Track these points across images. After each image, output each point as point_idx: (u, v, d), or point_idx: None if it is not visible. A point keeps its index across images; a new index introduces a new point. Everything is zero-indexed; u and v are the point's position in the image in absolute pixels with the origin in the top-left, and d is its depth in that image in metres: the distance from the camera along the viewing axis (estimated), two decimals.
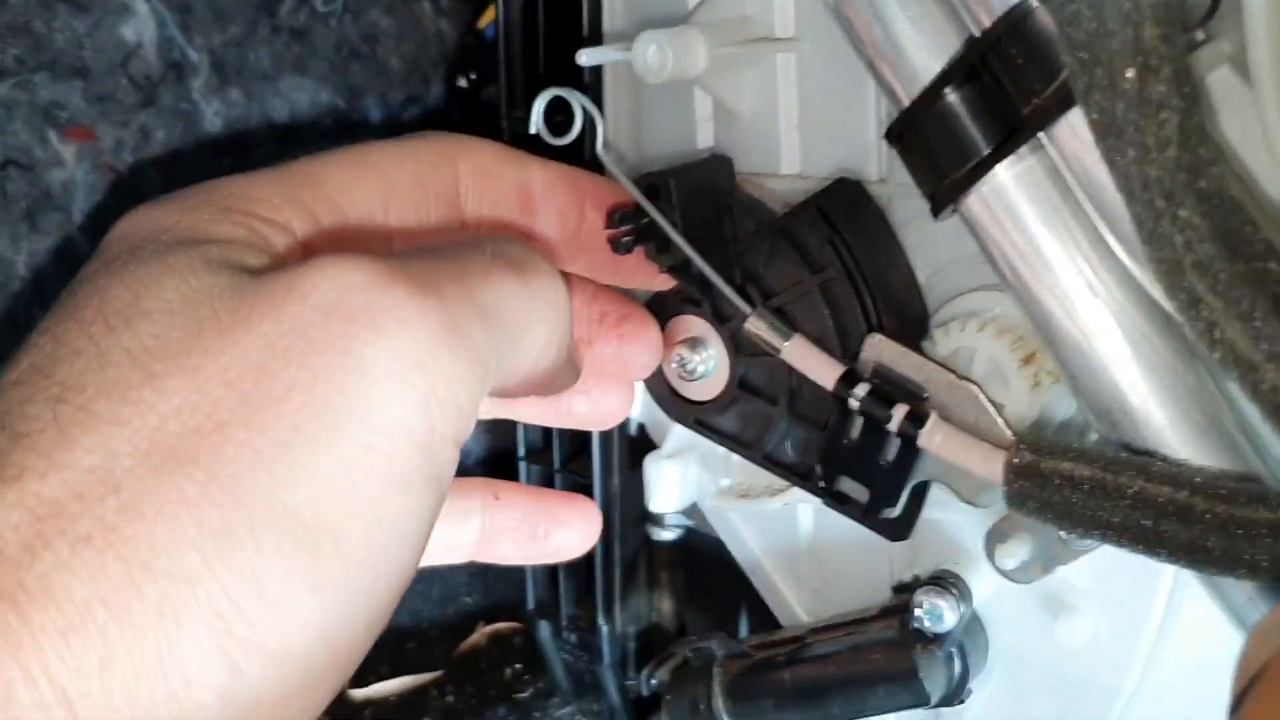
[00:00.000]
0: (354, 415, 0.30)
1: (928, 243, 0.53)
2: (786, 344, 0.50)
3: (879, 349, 0.50)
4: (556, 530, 0.50)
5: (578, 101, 0.46)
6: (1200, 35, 0.41)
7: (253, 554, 0.28)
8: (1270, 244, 0.32)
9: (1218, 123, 0.40)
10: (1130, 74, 0.30)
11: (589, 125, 0.48)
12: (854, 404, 0.49)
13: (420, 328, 0.31)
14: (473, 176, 0.42)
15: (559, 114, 0.49)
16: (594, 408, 0.49)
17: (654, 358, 0.50)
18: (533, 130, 0.47)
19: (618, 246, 0.51)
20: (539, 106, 0.46)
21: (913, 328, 0.52)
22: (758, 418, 0.57)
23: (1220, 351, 0.33)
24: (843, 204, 0.53)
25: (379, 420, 0.30)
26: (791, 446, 0.56)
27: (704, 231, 0.54)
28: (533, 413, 0.49)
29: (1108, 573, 0.51)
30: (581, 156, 0.53)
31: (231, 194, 0.36)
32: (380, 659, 0.96)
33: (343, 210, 0.37)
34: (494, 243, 0.36)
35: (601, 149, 0.46)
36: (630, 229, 0.51)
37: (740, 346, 0.56)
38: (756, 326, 0.50)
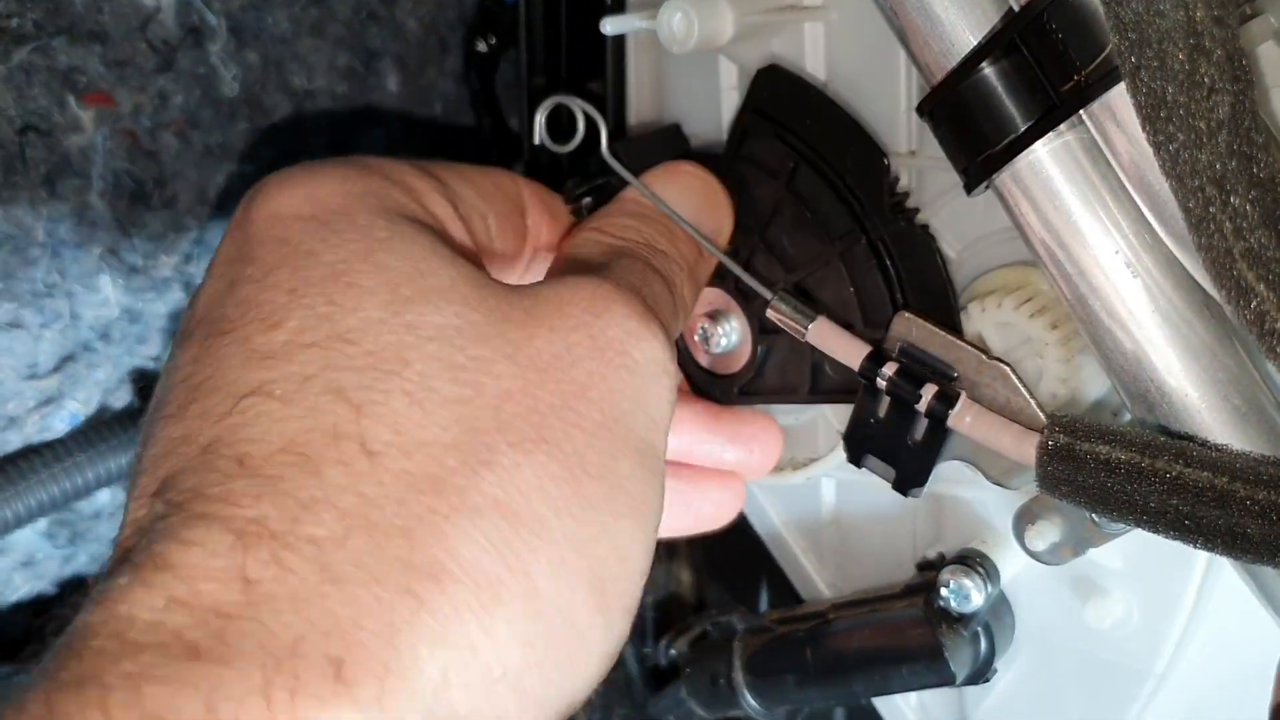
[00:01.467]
0: (639, 406, 0.36)
1: (959, 217, 0.52)
2: (810, 325, 0.49)
3: (907, 327, 0.49)
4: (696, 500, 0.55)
5: (579, 107, 0.45)
6: (1246, 10, 0.39)
7: (608, 519, 0.34)
8: None
9: (1266, 101, 0.39)
10: (1181, 56, 0.29)
11: (591, 127, 0.47)
12: (881, 383, 0.48)
13: (662, 339, 0.38)
14: (531, 197, 0.48)
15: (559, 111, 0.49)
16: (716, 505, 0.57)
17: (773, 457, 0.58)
18: (536, 141, 0.47)
19: (581, 215, 0.50)
20: (541, 117, 0.46)
21: (917, 245, 0.51)
22: (795, 358, 0.56)
23: (1271, 342, 0.32)
24: (774, 94, 0.52)
25: (654, 411, 0.37)
26: (832, 369, 0.55)
27: None
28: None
29: (1139, 555, 0.50)
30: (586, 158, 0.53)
31: (390, 174, 0.40)
32: None
33: (460, 197, 0.43)
34: (649, 251, 0.45)
35: (606, 152, 0.46)
36: (587, 190, 0.50)
37: (764, 322, 0.55)
38: (779, 310, 0.49)
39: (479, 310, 0.35)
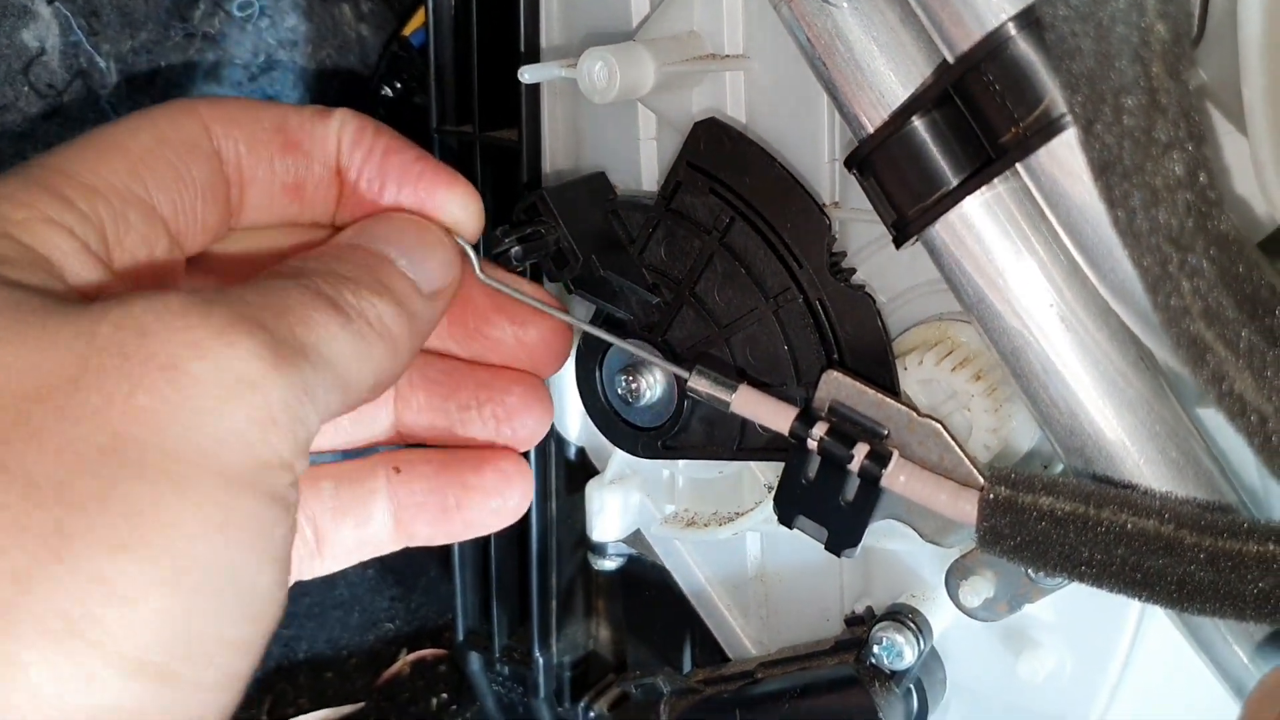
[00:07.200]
0: (182, 420, 0.30)
1: (883, 270, 0.51)
2: (734, 395, 0.48)
3: (836, 385, 0.48)
4: (469, 498, 0.46)
5: (462, 242, 0.44)
6: None
7: (93, 550, 0.28)
8: (1276, 289, 0.31)
9: None
10: (1138, 112, 0.28)
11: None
12: (812, 444, 0.47)
13: (247, 349, 0.31)
14: (224, 125, 0.40)
15: None
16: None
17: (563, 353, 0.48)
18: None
19: (509, 263, 0.49)
20: None
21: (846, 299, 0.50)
22: (722, 413, 0.54)
23: (1228, 403, 0.32)
24: (711, 148, 0.51)
25: (212, 427, 0.30)
26: (761, 426, 0.54)
27: (595, 237, 0.52)
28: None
29: (1072, 607, 0.50)
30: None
31: None
32: (299, 690, 0.92)
33: (95, 189, 0.35)
34: (321, 275, 0.36)
35: (482, 276, 0.44)
36: (515, 238, 0.49)
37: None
38: (700, 384, 0.48)
39: None
